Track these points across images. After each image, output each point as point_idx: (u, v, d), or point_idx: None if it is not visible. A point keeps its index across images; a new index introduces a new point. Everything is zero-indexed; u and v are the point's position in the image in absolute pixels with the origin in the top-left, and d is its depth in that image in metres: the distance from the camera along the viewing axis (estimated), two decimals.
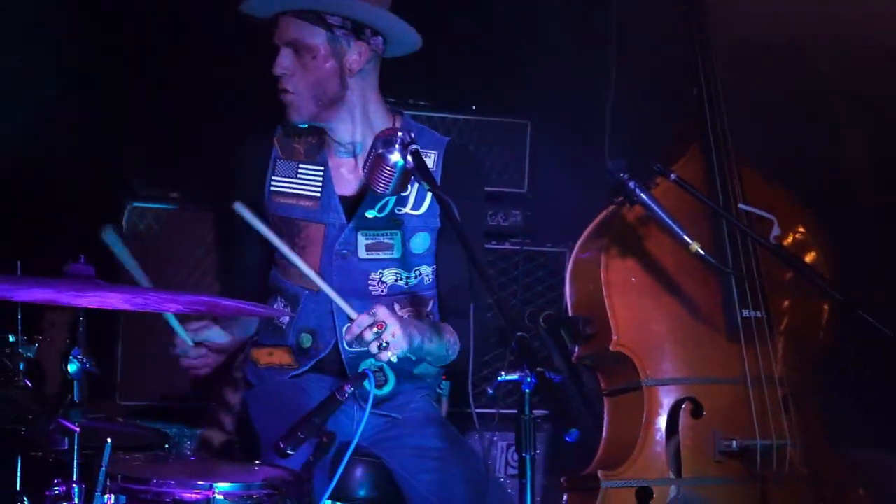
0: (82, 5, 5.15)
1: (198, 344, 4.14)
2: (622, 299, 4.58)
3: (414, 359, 4.12)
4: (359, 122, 4.25)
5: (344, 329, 4.09)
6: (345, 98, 4.22)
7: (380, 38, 4.24)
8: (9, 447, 3.79)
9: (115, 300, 3.20)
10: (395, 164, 3.85)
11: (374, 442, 4.23)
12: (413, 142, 3.86)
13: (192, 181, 5.07)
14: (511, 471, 5.13)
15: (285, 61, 4.17)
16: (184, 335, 4.09)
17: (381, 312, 3.85)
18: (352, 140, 4.25)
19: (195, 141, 5.25)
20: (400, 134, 3.86)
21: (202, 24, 5.22)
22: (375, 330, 3.81)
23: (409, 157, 3.84)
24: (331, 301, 4.09)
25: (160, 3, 5.27)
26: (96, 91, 5.14)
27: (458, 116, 5.28)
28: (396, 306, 4.22)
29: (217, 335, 4.18)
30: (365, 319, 3.84)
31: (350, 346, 4.11)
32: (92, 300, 3.15)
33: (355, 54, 4.20)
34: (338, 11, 4.15)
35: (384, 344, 3.81)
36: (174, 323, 4.06)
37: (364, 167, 3.94)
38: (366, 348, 3.84)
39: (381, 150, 3.87)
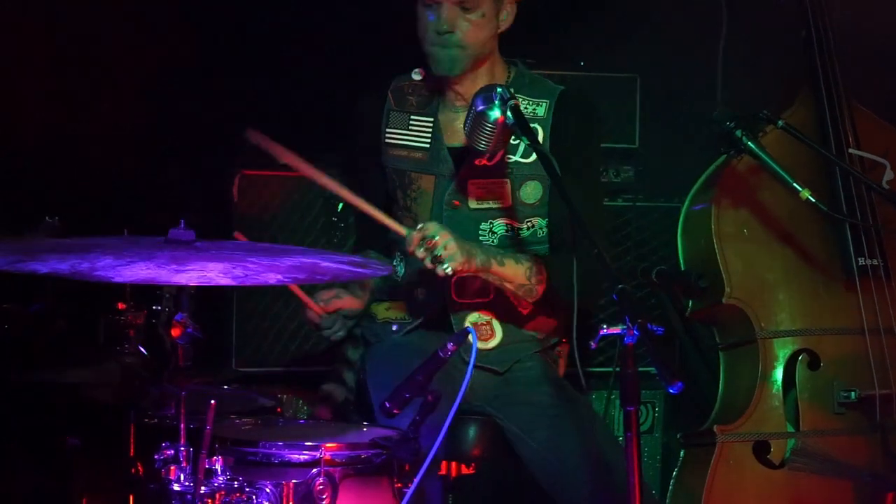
0: None
1: (331, 312, 4.17)
2: (734, 251, 4.52)
3: (489, 279, 4.10)
4: (483, 76, 4.24)
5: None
6: (490, 54, 4.22)
7: None
8: (122, 413, 3.86)
9: (213, 274, 3.18)
10: (495, 120, 3.84)
11: (487, 400, 4.22)
12: (513, 97, 3.84)
13: (304, 144, 5.09)
14: None
15: (451, 16, 4.15)
16: (314, 307, 4.13)
17: (431, 227, 3.88)
18: (472, 91, 4.23)
19: (305, 105, 5.27)
20: (499, 90, 3.84)
21: None
22: (427, 246, 3.83)
23: (509, 113, 3.82)
24: None
25: None
26: (203, 56, 5.18)
27: (567, 73, 5.23)
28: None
29: (349, 303, 4.22)
30: (416, 236, 3.86)
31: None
32: (191, 276, 3.15)
33: (507, 13, 4.22)
34: None
35: (439, 257, 3.84)
36: (304, 298, 4.11)
37: (465, 125, 3.93)
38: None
39: (480, 108, 3.85)
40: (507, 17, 4.22)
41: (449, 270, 3.88)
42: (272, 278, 3.23)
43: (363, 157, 4.38)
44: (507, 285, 4.13)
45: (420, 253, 3.88)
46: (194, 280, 3.12)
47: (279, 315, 5.00)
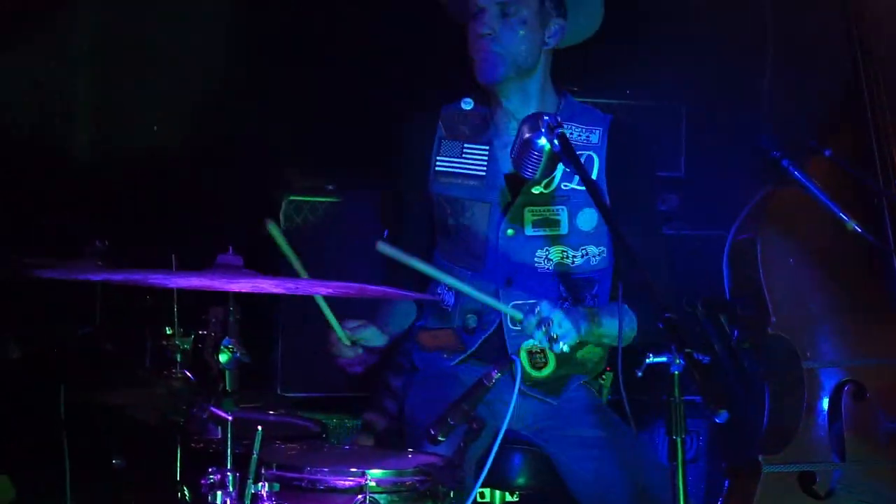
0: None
1: (354, 343, 4.18)
2: (780, 280, 4.50)
3: (592, 343, 4.13)
4: (534, 98, 4.27)
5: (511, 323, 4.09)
6: (534, 70, 4.24)
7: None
8: (169, 437, 3.88)
9: (265, 284, 3.25)
10: (542, 148, 3.84)
11: (534, 430, 4.22)
12: (559, 125, 3.85)
13: (348, 170, 5.13)
14: None
15: (493, 22, 4.18)
16: (341, 333, 4.13)
17: (544, 308, 3.85)
18: (523, 115, 4.24)
19: (350, 132, 5.30)
20: (546, 118, 3.85)
21: (357, 13, 5.28)
22: (544, 329, 3.81)
23: (556, 141, 3.83)
24: (496, 277, 4.13)
25: None
26: (250, 85, 5.22)
27: (612, 101, 5.24)
28: (562, 287, 4.22)
29: (373, 335, 4.21)
30: (531, 321, 3.84)
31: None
32: (244, 285, 3.21)
33: (554, 29, 4.24)
34: None
35: (554, 337, 3.81)
36: (332, 320, 4.11)
37: (511, 152, 3.95)
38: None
39: (527, 135, 3.86)
40: (555, 32, 4.25)
41: (566, 349, 3.87)
42: (323, 290, 3.26)
43: (410, 185, 4.39)
44: (605, 339, 4.15)
45: (538, 336, 3.85)
46: (247, 288, 3.16)
47: (324, 340, 5.01)
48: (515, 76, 4.22)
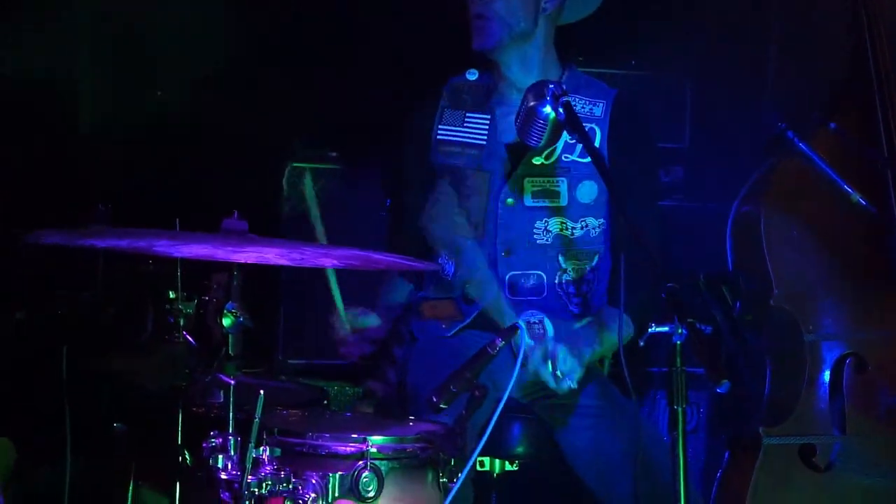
0: None
1: (354, 330, 4.19)
2: (783, 254, 4.49)
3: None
4: (535, 67, 4.27)
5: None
6: (532, 36, 4.24)
7: None
8: (171, 402, 3.88)
9: (271, 255, 3.25)
10: (547, 116, 3.84)
11: (533, 399, 4.22)
12: (565, 93, 3.84)
13: (352, 140, 5.12)
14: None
15: None
16: (343, 316, 4.14)
17: (550, 345, 3.87)
18: (526, 84, 4.24)
19: (356, 100, 5.29)
20: (551, 86, 3.84)
21: None
22: (549, 367, 3.84)
23: (561, 109, 3.82)
24: (494, 247, 4.14)
25: None
26: (255, 52, 5.20)
27: (617, 72, 5.23)
28: (560, 259, 4.21)
29: (373, 321, 4.26)
30: (537, 355, 3.87)
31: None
32: (249, 255, 3.20)
33: None
34: None
35: (560, 375, 3.83)
36: (339, 303, 4.12)
37: (516, 120, 3.94)
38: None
39: (532, 103, 3.86)
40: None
41: (574, 385, 3.89)
42: (328, 262, 3.26)
43: (414, 156, 4.39)
44: (607, 354, 4.16)
45: (545, 374, 3.88)
46: (252, 259, 3.17)
47: (326, 308, 5.01)
48: (511, 42, 4.21)
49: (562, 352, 3.85)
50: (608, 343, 4.09)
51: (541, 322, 4.16)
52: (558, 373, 3.83)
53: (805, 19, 5.05)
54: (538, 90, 3.85)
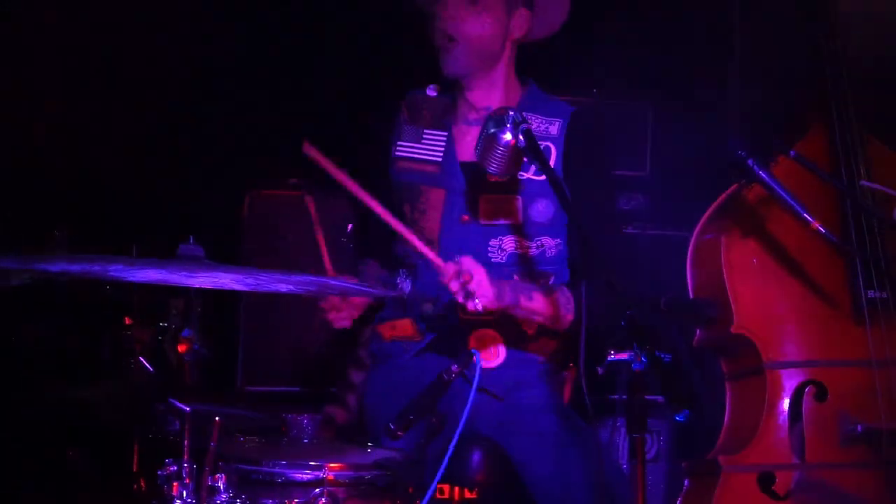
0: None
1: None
2: (743, 281, 4.50)
3: (518, 316, 4.09)
4: (499, 89, 4.27)
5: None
6: (498, 61, 4.24)
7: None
8: (126, 429, 3.85)
9: (226, 280, 3.22)
10: (507, 143, 3.83)
11: (493, 427, 4.21)
12: (524, 121, 3.83)
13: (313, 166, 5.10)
14: None
15: (457, 10, 4.17)
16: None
17: (466, 262, 3.87)
18: (486, 106, 4.24)
19: (314, 125, 5.28)
20: (511, 113, 3.84)
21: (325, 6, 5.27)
22: (462, 280, 3.81)
23: (521, 137, 3.82)
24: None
25: None
26: (216, 75, 5.19)
27: (580, 99, 5.23)
28: (516, 277, 4.20)
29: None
30: (451, 268, 3.85)
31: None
32: (204, 280, 3.18)
33: (520, 19, 4.25)
34: None
35: (470, 292, 3.81)
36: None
37: (476, 146, 3.93)
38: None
39: (492, 130, 3.85)
40: (520, 23, 4.25)
41: (480, 307, 3.86)
42: (283, 287, 3.24)
43: (371, 169, 4.37)
44: (536, 317, 4.13)
45: (454, 285, 3.86)
46: (208, 284, 3.13)
47: (285, 335, 5.00)
48: (481, 66, 4.21)
49: (478, 273, 3.85)
50: (538, 304, 4.08)
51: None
52: (470, 289, 3.82)
53: (767, 46, 5.07)
54: (499, 117, 3.84)
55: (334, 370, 4.51)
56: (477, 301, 3.84)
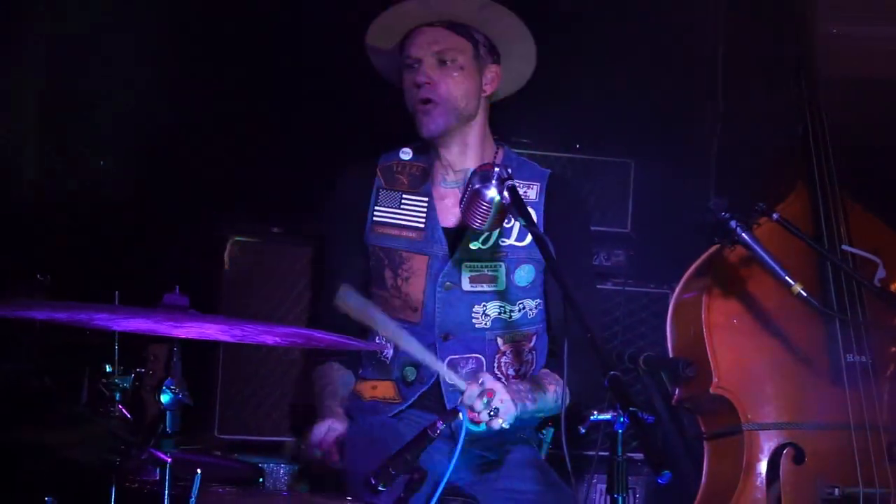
0: (183, 40, 5.22)
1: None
2: (723, 341, 4.51)
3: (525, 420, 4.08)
4: (474, 149, 4.27)
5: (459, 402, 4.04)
6: (474, 119, 4.25)
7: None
8: (104, 476, 3.81)
9: (212, 331, 3.21)
10: (492, 199, 3.84)
11: (471, 483, 4.20)
12: (510, 177, 3.85)
13: (293, 215, 5.10)
14: None
15: (430, 71, 4.18)
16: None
17: (488, 381, 3.85)
18: (462, 167, 4.24)
19: (295, 175, 5.28)
20: (497, 169, 3.85)
21: (304, 56, 5.28)
22: (486, 399, 3.80)
23: (506, 193, 3.83)
24: (433, 332, 4.11)
25: (259, 37, 5.32)
26: (197, 124, 5.19)
27: (562, 155, 5.25)
28: (499, 341, 4.20)
29: (340, 426, 4.20)
30: (474, 389, 3.83)
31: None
32: (190, 331, 3.16)
33: (490, 75, 4.27)
34: (482, 30, 4.22)
35: (494, 411, 3.80)
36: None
37: (461, 203, 3.94)
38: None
39: (477, 186, 3.86)
40: (492, 79, 4.28)
41: (506, 425, 3.84)
42: (270, 339, 3.23)
43: (345, 234, 4.36)
44: (539, 415, 4.14)
45: (479, 406, 3.83)
46: (193, 335, 3.12)
47: (263, 383, 4.98)
48: (457, 125, 4.22)
49: (500, 390, 3.82)
50: (542, 403, 4.07)
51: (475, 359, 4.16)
52: (494, 407, 3.79)
53: (750, 106, 5.10)
54: (484, 174, 3.86)
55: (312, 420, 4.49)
56: (501, 420, 3.82)
